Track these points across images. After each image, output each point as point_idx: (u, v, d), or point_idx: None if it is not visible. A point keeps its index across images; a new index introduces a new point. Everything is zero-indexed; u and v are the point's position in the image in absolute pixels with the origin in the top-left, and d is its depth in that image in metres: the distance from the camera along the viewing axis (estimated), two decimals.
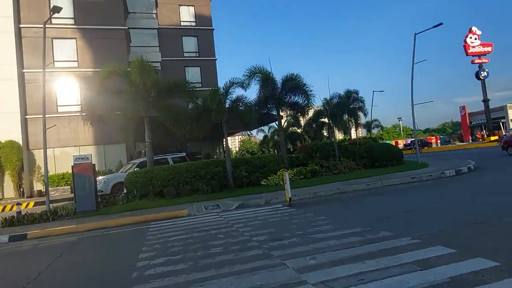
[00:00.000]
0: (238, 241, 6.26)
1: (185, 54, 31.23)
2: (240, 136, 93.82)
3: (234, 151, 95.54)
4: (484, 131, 60.24)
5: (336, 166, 17.51)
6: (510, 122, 59.96)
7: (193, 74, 30.07)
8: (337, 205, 9.89)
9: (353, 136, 34.75)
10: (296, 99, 17.09)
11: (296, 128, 38.85)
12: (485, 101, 57.76)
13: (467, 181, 12.16)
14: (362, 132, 46.82)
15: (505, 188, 9.58)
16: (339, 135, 42.31)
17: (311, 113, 21.65)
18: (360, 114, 24.17)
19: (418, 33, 18.79)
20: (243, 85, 15.84)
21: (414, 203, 8.88)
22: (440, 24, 17.86)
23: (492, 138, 52.69)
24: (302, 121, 36.28)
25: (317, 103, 21.13)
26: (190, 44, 31.62)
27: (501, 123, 59.48)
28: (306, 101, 16.79)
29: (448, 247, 4.52)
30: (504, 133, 50.42)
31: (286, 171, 12.09)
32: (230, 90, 15.38)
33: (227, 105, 15.58)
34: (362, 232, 5.95)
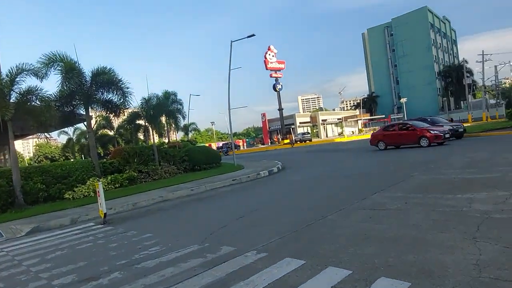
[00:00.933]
0: None
1: None
2: (36, 139, 78.37)
3: (27, 158, 79.60)
4: (279, 135, 70.86)
5: (156, 172, 16.29)
6: (297, 128, 72.66)
7: None
8: (163, 217, 8.76)
9: (171, 139, 34.01)
10: (110, 96, 14.91)
11: (107, 130, 35.13)
12: (280, 109, 67.96)
13: (280, 180, 13.19)
14: (176, 135, 46.74)
15: (311, 184, 10.70)
16: (156, 138, 40.81)
17: (127, 113, 19.62)
18: (179, 116, 23.65)
19: (234, 41, 19.80)
20: (39, 75, 12.46)
21: (243, 207, 8.70)
22: (253, 35, 19.34)
23: (286, 141, 62.39)
24: (115, 123, 33.09)
25: (135, 104, 19.30)
26: None
27: (291, 129, 71.26)
28: (122, 99, 14.83)
29: (297, 258, 4.20)
30: (293, 137, 60.59)
31: (99, 180, 10.13)
32: (18, 79, 11.83)
33: (13, 99, 11.97)
34: (201, 250, 5.11)
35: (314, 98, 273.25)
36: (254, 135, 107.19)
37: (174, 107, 22.32)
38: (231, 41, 19.59)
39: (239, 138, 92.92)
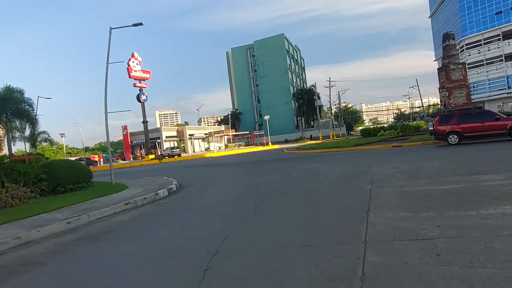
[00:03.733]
0: None
1: None
2: None
3: None
4: (143, 150, 65.12)
5: None
6: (163, 142, 68.30)
7: None
8: (42, 282, 4.93)
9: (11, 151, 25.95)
10: None
11: None
12: (145, 122, 62.68)
13: (196, 202, 10.33)
14: (8, 148, 36.84)
15: (249, 207, 8.30)
16: None
17: None
18: (29, 122, 17.64)
19: (114, 28, 15.86)
20: None
21: (186, 250, 5.64)
22: (140, 24, 15.83)
23: (151, 156, 57.46)
24: None
25: None
26: None
27: (157, 143, 66.63)
28: None
29: None
30: (160, 152, 56.29)
31: None
32: None
33: None
34: None
35: (173, 114, 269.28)
36: (112, 149, 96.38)
37: (22, 107, 16.45)
38: (111, 28, 15.60)
39: (94, 153, 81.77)
